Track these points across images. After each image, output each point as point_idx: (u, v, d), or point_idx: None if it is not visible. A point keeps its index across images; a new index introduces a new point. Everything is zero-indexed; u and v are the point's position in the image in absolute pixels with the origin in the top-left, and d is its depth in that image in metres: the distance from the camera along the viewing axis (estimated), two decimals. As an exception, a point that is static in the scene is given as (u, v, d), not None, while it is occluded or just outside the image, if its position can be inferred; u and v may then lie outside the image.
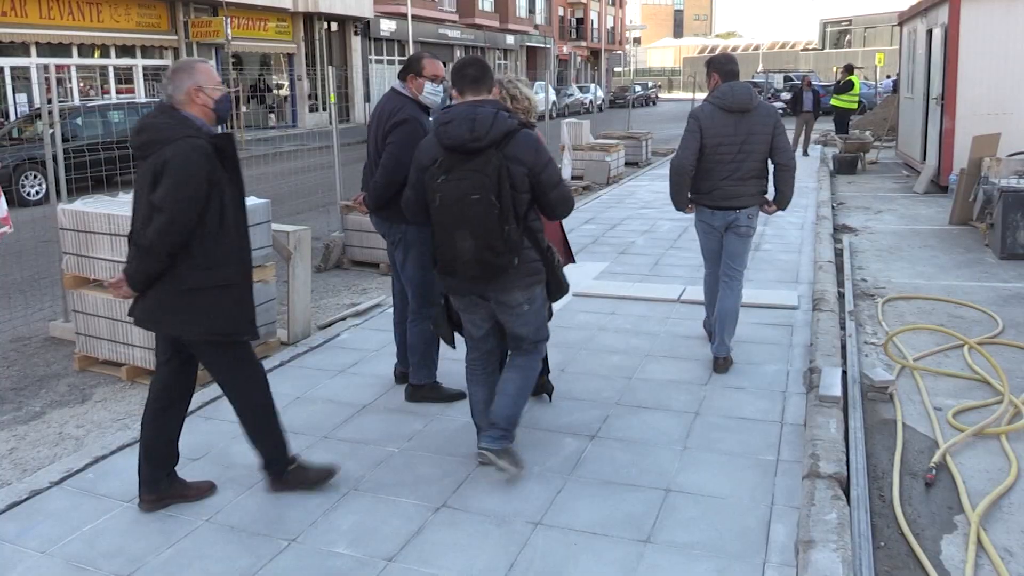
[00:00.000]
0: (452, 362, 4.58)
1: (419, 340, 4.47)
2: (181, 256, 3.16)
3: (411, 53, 29.54)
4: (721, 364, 4.95)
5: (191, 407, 4.46)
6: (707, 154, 4.82)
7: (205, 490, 3.59)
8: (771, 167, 4.92)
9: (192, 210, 3.12)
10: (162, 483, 3.49)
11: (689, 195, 5.01)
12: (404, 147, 4.08)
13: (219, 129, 3.44)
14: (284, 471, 3.55)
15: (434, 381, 4.58)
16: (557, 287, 3.72)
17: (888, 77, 31.68)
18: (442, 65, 4.44)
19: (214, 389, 4.76)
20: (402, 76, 4.33)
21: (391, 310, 6.30)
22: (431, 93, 4.29)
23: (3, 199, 5.03)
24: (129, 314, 3.38)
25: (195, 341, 3.33)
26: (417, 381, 4.56)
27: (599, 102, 44.29)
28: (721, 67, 4.90)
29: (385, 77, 35.05)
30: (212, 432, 4.23)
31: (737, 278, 5.02)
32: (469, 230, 3.33)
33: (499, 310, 3.62)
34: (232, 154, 3.28)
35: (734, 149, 4.79)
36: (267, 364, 5.17)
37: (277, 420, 3.54)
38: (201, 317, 3.24)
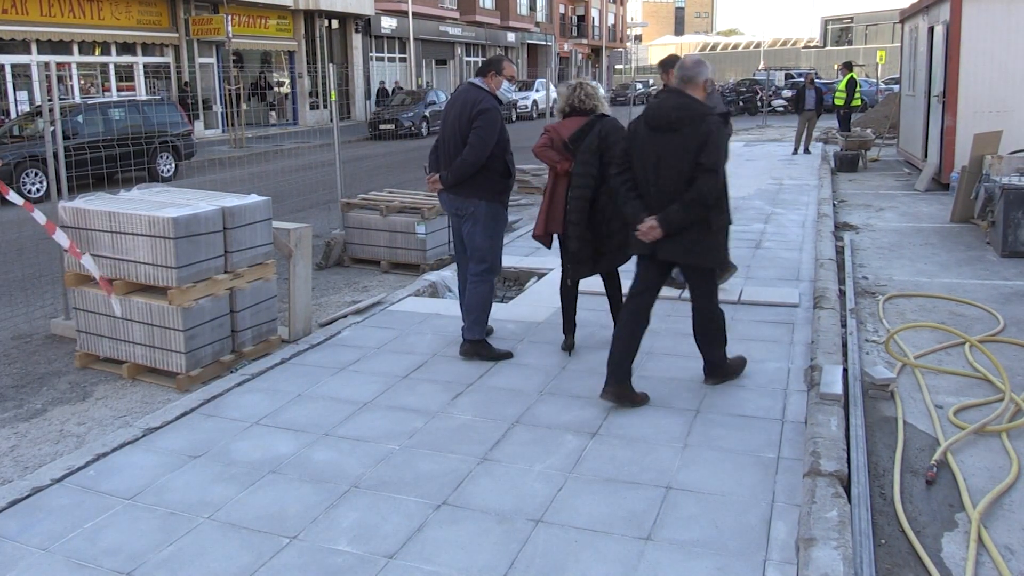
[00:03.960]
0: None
1: (478, 300, 5.12)
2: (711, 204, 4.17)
3: (410, 48, 29.44)
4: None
5: (192, 405, 4.51)
6: None
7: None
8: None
9: (723, 170, 4.21)
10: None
11: None
12: (490, 131, 4.92)
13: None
14: (726, 369, 4.64)
15: (485, 338, 5.18)
16: None
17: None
18: (515, 68, 5.43)
19: (216, 386, 4.78)
20: (483, 73, 5.11)
21: (391, 307, 6.35)
22: (506, 90, 5.18)
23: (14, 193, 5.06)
24: (653, 252, 4.32)
25: (699, 268, 4.37)
26: (473, 336, 5.13)
27: (600, 99, 44.19)
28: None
29: (386, 74, 35.05)
30: (213, 430, 4.23)
31: None
32: None
33: None
34: (728, 129, 4.36)
35: None
36: (268, 362, 5.18)
37: (725, 331, 4.60)
38: (713, 251, 4.33)
